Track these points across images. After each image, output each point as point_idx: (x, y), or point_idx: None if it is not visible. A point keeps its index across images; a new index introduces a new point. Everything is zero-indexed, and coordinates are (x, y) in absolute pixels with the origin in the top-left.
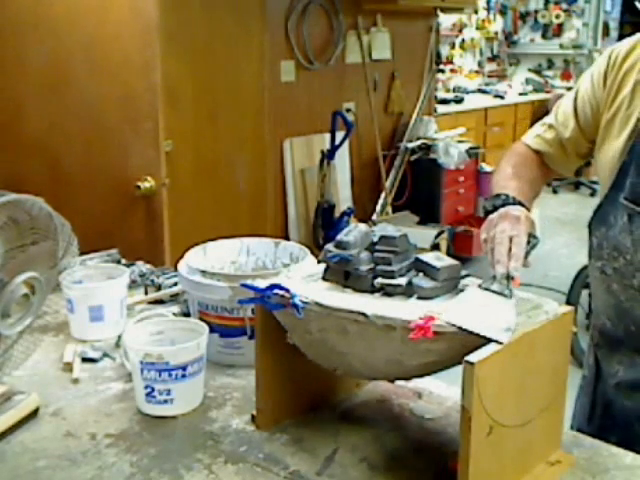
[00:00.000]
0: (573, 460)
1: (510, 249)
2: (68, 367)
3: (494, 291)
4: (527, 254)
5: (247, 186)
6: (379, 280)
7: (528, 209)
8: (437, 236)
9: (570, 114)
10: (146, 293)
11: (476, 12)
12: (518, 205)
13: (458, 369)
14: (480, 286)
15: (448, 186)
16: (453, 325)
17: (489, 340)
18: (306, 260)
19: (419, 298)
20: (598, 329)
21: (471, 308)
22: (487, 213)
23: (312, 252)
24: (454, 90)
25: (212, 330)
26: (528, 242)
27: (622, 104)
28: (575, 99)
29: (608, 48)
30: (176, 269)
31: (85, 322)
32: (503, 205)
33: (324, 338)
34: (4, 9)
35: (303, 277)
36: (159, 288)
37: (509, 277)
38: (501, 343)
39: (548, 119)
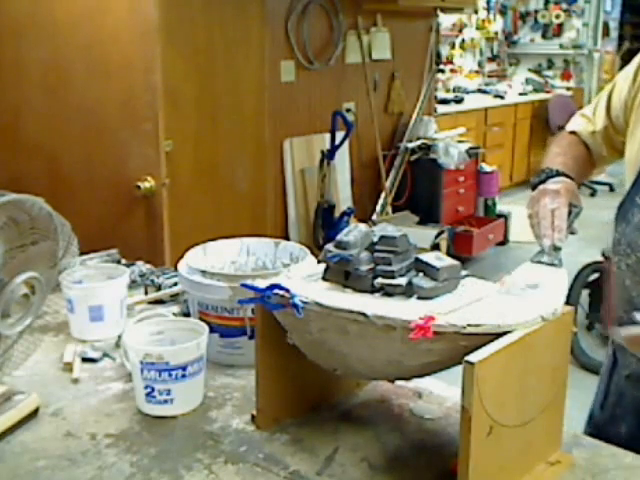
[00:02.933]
0: (573, 460)
1: (553, 222)
2: (68, 367)
3: (545, 262)
4: (571, 223)
5: (247, 186)
6: (379, 280)
7: (572, 179)
8: (437, 236)
9: (603, 107)
10: (146, 293)
11: (476, 12)
12: (561, 176)
13: (458, 369)
14: (532, 260)
15: (448, 186)
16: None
17: (496, 335)
18: (306, 260)
19: (419, 298)
20: (617, 322)
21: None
22: (533, 188)
23: (312, 252)
24: (454, 90)
25: (212, 330)
26: (570, 212)
27: None
28: (610, 93)
29: None
30: (176, 269)
31: (85, 322)
32: (548, 178)
33: (324, 338)
34: (3, 11)
35: (303, 277)
36: (159, 288)
37: (556, 248)
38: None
39: (587, 111)
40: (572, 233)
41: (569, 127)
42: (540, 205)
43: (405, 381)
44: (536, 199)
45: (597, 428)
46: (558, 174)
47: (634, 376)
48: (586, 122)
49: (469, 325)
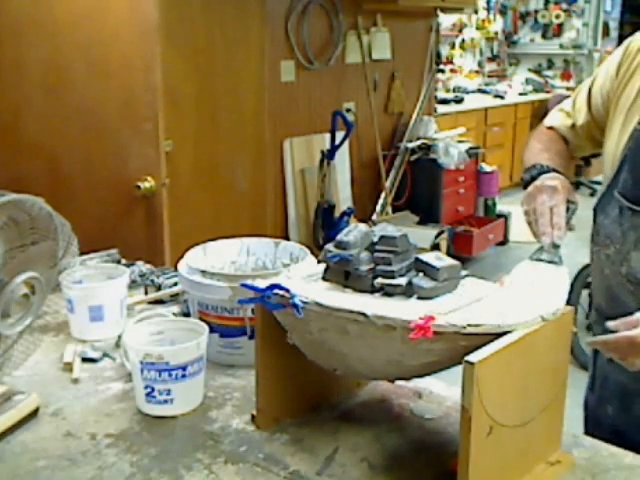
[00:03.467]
0: (573, 460)
1: (552, 219)
2: (68, 367)
3: (545, 260)
4: (568, 220)
5: (247, 186)
6: (379, 280)
7: (564, 175)
8: (437, 236)
9: (584, 101)
10: (146, 293)
11: (476, 12)
12: (553, 172)
13: (458, 369)
14: (531, 258)
15: (448, 186)
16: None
17: (496, 335)
18: (306, 260)
19: (419, 298)
20: (595, 308)
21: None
22: (526, 185)
23: (312, 252)
24: (454, 90)
25: (212, 330)
26: (568, 209)
27: (628, 98)
28: (590, 87)
29: (628, 38)
30: (176, 269)
31: (85, 322)
32: (539, 174)
33: (324, 338)
34: (3, 11)
35: (303, 277)
36: (159, 288)
37: (556, 246)
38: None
39: (566, 105)
40: (570, 230)
41: (547, 122)
42: (537, 202)
43: (405, 381)
44: (532, 196)
45: (590, 410)
46: (549, 170)
47: (614, 360)
48: (564, 117)
49: (469, 325)
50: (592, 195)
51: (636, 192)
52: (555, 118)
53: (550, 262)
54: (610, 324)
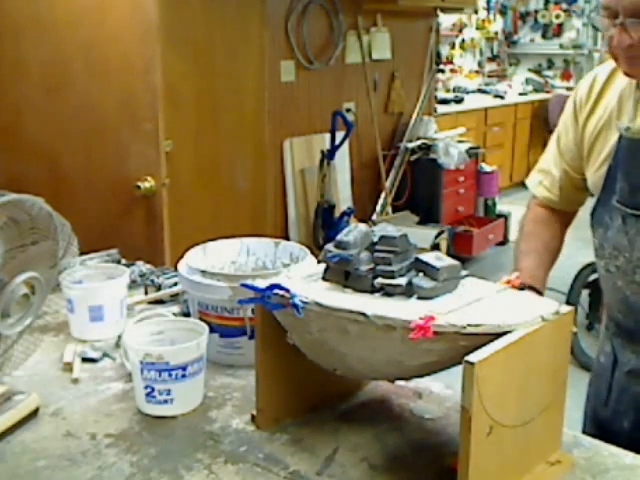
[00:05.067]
0: (573, 460)
1: None
2: (68, 367)
3: None
4: None
5: (247, 186)
6: (379, 280)
7: (539, 289)
8: (437, 236)
9: (557, 155)
10: (146, 293)
11: (476, 12)
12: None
13: (458, 369)
14: None
15: (448, 186)
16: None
17: (496, 335)
18: (306, 260)
19: (419, 298)
20: (614, 321)
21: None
22: None
23: (312, 252)
24: (454, 90)
25: (212, 330)
26: None
27: (599, 122)
28: (558, 140)
29: (572, 95)
30: (176, 269)
31: (85, 322)
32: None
33: (324, 338)
34: (3, 11)
35: (303, 277)
36: (159, 288)
37: None
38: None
39: (542, 164)
40: None
41: (533, 191)
42: None
43: (405, 381)
44: None
45: (600, 426)
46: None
47: (635, 372)
48: (543, 176)
49: (469, 325)
50: (592, 195)
51: (634, 198)
52: (536, 183)
53: None
54: None
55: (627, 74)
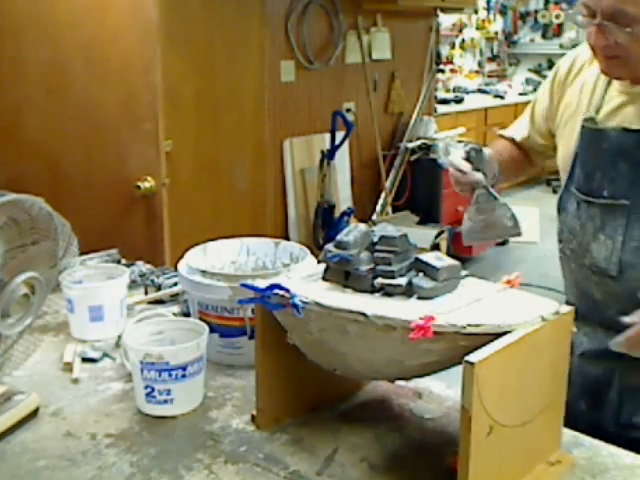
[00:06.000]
0: (573, 460)
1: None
2: (68, 367)
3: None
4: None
5: (247, 186)
6: (379, 280)
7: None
8: (437, 236)
9: (528, 121)
10: (146, 293)
11: (476, 12)
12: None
13: (458, 369)
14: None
15: (448, 186)
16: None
17: (496, 335)
18: (306, 260)
19: (419, 298)
20: (569, 305)
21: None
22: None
23: (312, 252)
24: (454, 90)
25: (212, 330)
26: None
27: (570, 107)
28: (532, 108)
29: (554, 68)
30: (176, 269)
31: (85, 322)
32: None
33: (324, 338)
34: (3, 11)
35: (303, 277)
36: (159, 288)
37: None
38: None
39: (513, 125)
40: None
41: (504, 133)
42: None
43: (405, 381)
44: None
45: (570, 407)
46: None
47: (587, 354)
48: (516, 129)
49: (469, 325)
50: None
51: (588, 185)
52: (510, 132)
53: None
54: (626, 319)
55: (603, 72)
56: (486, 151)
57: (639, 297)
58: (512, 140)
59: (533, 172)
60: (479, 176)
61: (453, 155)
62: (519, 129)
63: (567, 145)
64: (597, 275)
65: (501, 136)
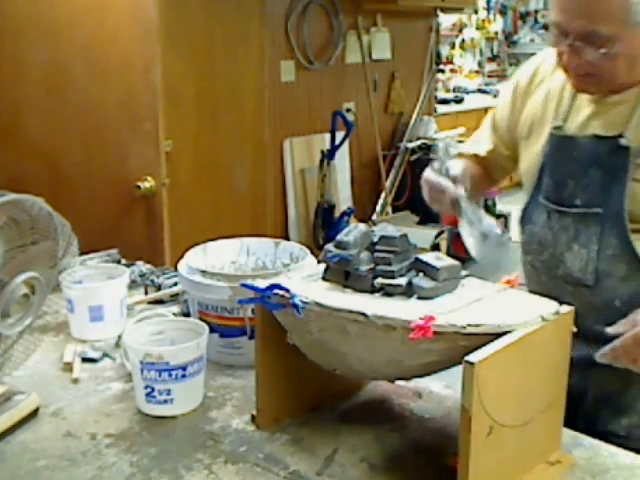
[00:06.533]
0: (573, 460)
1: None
2: (68, 367)
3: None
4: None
5: (247, 186)
6: (379, 280)
7: None
8: (437, 236)
9: (490, 130)
10: (146, 293)
11: (476, 12)
12: None
13: (458, 369)
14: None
15: None
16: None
17: (496, 335)
18: (306, 260)
19: (419, 298)
20: None
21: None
22: None
23: (312, 252)
24: (454, 90)
25: (212, 330)
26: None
27: (534, 117)
28: (493, 117)
29: (514, 77)
30: (176, 269)
31: (85, 322)
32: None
33: (324, 338)
34: (3, 11)
35: (303, 277)
36: (159, 288)
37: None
38: None
39: (474, 137)
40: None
41: (463, 151)
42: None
43: (405, 381)
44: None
45: None
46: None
47: None
48: (474, 143)
49: (469, 325)
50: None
51: (559, 194)
52: (471, 147)
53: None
54: (610, 329)
55: (576, 88)
56: (458, 161)
57: (616, 305)
58: (474, 157)
59: (491, 189)
60: (460, 191)
61: (427, 172)
62: (481, 144)
63: (532, 155)
64: (572, 285)
65: (460, 155)
